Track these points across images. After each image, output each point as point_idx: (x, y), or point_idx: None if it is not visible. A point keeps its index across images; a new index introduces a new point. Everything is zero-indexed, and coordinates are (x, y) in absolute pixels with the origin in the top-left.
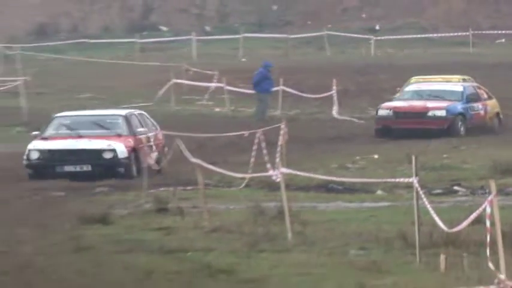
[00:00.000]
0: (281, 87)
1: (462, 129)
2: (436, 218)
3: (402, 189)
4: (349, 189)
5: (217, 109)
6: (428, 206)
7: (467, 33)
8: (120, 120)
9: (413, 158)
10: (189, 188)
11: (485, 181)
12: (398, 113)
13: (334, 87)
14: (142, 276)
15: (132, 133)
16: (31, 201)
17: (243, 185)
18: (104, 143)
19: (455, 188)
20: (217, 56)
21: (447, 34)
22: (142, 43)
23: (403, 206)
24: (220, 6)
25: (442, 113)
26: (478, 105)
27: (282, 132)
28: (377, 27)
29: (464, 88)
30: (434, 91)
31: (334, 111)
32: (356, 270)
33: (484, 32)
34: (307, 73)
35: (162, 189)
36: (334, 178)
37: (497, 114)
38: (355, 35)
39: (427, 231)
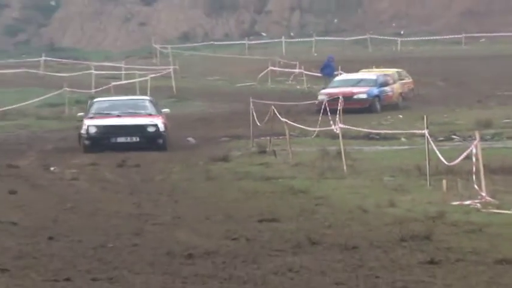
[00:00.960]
0: (339, 72)
1: (378, 107)
2: (440, 156)
3: (418, 137)
4: (383, 138)
5: (298, 87)
6: (435, 148)
7: (461, 36)
8: (148, 103)
9: (425, 117)
10: (280, 137)
11: (472, 131)
12: (332, 97)
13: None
14: (250, 195)
15: (160, 112)
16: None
17: (314, 135)
18: (147, 120)
19: (453, 136)
20: (298, 52)
21: (448, 36)
22: (249, 44)
23: (418, 148)
24: (300, 19)
25: (364, 95)
26: (387, 89)
27: (341, 101)
28: (402, 32)
29: (377, 76)
30: (356, 79)
31: None
32: (388, 190)
33: (472, 34)
34: (356, 63)
35: (262, 138)
36: (373, 130)
37: (401, 93)
38: (387, 37)
39: (434, 165)
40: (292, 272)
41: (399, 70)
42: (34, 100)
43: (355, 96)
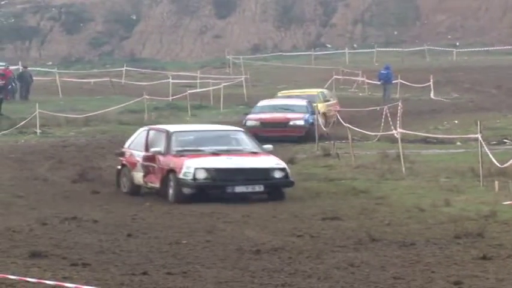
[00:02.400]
0: (399, 80)
1: (316, 135)
2: (493, 158)
3: (472, 141)
4: (440, 142)
5: (360, 94)
6: (488, 151)
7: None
8: (244, 136)
9: (478, 122)
10: (343, 141)
11: None
12: (264, 123)
13: (431, 80)
14: (315, 195)
15: (263, 149)
16: None
17: (376, 139)
18: (271, 161)
19: (505, 140)
20: (360, 62)
21: (500, 47)
22: (315, 55)
23: (472, 152)
24: (362, 32)
25: (301, 122)
26: (314, 116)
27: (399, 107)
28: (457, 44)
29: (307, 103)
30: (287, 105)
31: (431, 95)
32: (443, 191)
33: None
34: (415, 71)
35: (326, 142)
36: (430, 135)
37: (324, 115)
38: (444, 48)
39: (487, 167)
40: (354, 266)
41: (323, 91)
42: (116, 107)
43: (291, 123)
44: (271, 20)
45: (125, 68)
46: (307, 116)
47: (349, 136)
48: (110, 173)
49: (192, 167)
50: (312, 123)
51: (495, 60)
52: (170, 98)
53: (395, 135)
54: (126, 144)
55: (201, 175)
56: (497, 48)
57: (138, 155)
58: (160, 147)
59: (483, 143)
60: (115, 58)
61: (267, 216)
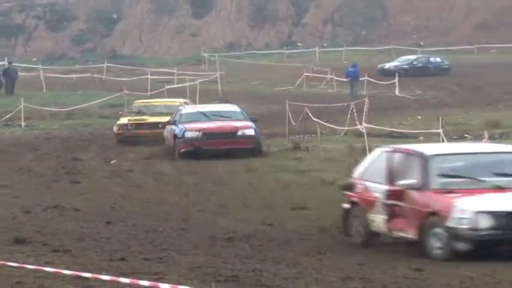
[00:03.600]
0: (366, 78)
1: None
2: None
3: (434, 136)
4: (404, 136)
5: (329, 90)
6: None
7: (473, 46)
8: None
9: (440, 118)
10: (312, 135)
11: (482, 131)
12: (208, 134)
13: (396, 77)
14: (285, 186)
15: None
16: None
17: (343, 133)
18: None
19: (465, 135)
20: (330, 60)
21: (462, 47)
22: (287, 53)
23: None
24: (332, 31)
25: (251, 132)
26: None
27: (366, 103)
28: (421, 43)
29: (241, 108)
30: (220, 112)
31: (396, 91)
32: None
33: (484, 45)
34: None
35: (296, 136)
36: (395, 129)
37: None
38: (409, 48)
39: None
40: (320, 254)
41: (186, 100)
42: (97, 101)
43: (239, 133)
44: (245, 19)
45: (106, 64)
46: (253, 124)
47: (318, 130)
48: (91, 164)
49: (470, 211)
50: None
51: (457, 59)
52: (149, 93)
53: (361, 129)
54: (357, 173)
55: (485, 223)
56: (459, 47)
57: (377, 189)
58: (413, 179)
59: (444, 137)
60: (97, 55)
61: (239, 205)
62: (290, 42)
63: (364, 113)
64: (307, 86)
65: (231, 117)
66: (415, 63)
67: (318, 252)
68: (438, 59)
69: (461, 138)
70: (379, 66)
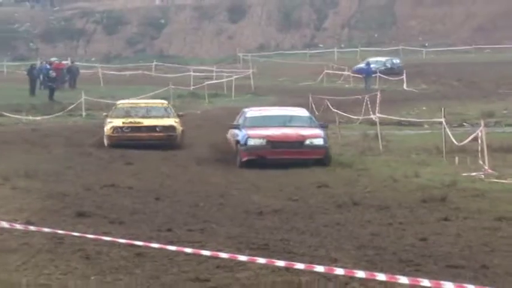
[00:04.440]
0: (378, 74)
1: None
2: (453, 139)
3: (437, 124)
4: (411, 124)
5: (346, 85)
6: (449, 132)
7: (471, 47)
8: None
9: (443, 109)
10: (330, 124)
11: (478, 120)
12: (274, 143)
13: (404, 74)
14: (309, 168)
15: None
16: None
17: (358, 122)
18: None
19: (463, 123)
20: (346, 59)
21: (461, 47)
22: (310, 53)
23: (438, 133)
24: (348, 34)
25: (320, 141)
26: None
27: (378, 96)
28: (426, 44)
29: (309, 113)
30: (287, 116)
31: (404, 86)
32: (413, 164)
33: (480, 46)
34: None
35: None
36: (403, 119)
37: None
38: (415, 48)
39: (449, 145)
40: (339, 225)
41: (164, 101)
42: (147, 94)
43: (307, 142)
44: (274, 24)
45: (154, 63)
46: (322, 132)
47: (337, 119)
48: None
49: None
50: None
51: (457, 58)
52: (191, 88)
53: (374, 119)
54: None
55: None
56: (459, 48)
57: None
58: None
59: (446, 125)
60: (147, 55)
61: (270, 185)
62: (312, 43)
63: (376, 105)
64: (327, 81)
65: (298, 122)
66: (387, 64)
67: (336, 224)
68: (397, 61)
69: (460, 126)
70: (355, 67)
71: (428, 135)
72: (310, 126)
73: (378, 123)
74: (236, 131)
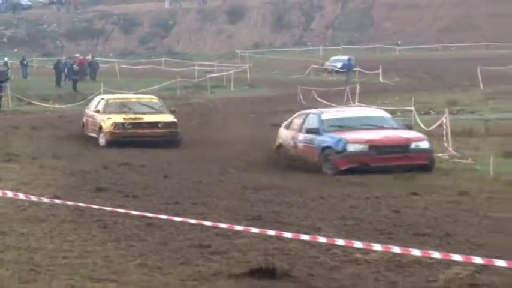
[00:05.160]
0: (357, 68)
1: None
2: (421, 124)
3: (408, 112)
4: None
5: (330, 78)
6: (418, 118)
7: (438, 45)
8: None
9: (413, 98)
10: None
11: (443, 108)
12: (378, 148)
13: (380, 68)
14: None
15: None
16: None
17: None
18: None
19: (430, 111)
20: (330, 56)
21: (430, 45)
22: (299, 50)
23: (408, 119)
24: (332, 34)
25: (426, 144)
26: None
27: (357, 88)
28: (399, 43)
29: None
30: (368, 118)
31: (380, 79)
32: None
33: (446, 44)
34: (369, 63)
35: None
36: (379, 107)
37: None
38: (390, 46)
39: (417, 129)
40: (323, 199)
41: (153, 96)
42: (157, 86)
43: (413, 146)
44: (268, 25)
45: (164, 58)
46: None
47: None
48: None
49: None
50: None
51: (426, 55)
52: (195, 80)
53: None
54: None
55: None
56: (428, 46)
57: None
58: None
59: (416, 113)
60: (157, 52)
61: (265, 163)
62: (301, 42)
63: (356, 95)
64: (314, 75)
65: (383, 124)
66: (345, 62)
67: (320, 198)
68: (352, 59)
69: (427, 113)
70: (330, 60)
71: (401, 120)
72: (396, 128)
73: None
74: (317, 137)
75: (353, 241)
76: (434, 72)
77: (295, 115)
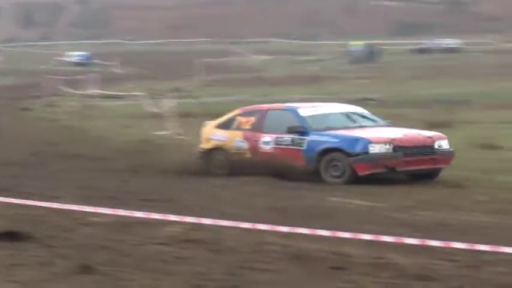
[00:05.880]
0: (96, 60)
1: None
2: (150, 108)
3: (140, 97)
4: (119, 97)
5: (72, 68)
6: (146, 103)
7: (166, 40)
8: None
9: (144, 86)
10: (55, 97)
11: (168, 93)
12: (404, 148)
13: (116, 60)
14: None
15: None
16: None
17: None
18: None
19: (156, 96)
20: (73, 49)
21: (157, 41)
22: (45, 44)
23: (139, 103)
24: (74, 31)
25: (447, 144)
26: None
27: (96, 76)
28: (132, 38)
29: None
30: (351, 114)
31: (116, 69)
32: (120, 126)
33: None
34: (106, 56)
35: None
36: (114, 93)
37: None
38: (124, 42)
39: (145, 113)
40: (64, 171)
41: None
42: None
43: (436, 145)
44: (19, 22)
45: None
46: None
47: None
48: None
49: None
50: None
51: (156, 49)
52: None
53: (91, 93)
54: None
55: None
56: (158, 41)
57: None
58: None
59: (146, 98)
60: None
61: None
62: (47, 37)
63: (96, 83)
64: (58, 66)
65: (366, 121)
66: (85, 55)
67: (61, 170)
68: (89, 54)
69: (154, 98)
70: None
71: (132, 105)
72: (381, 126)
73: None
74: (297, 136)
75: (87, 206)
76: (163, 64)
77: (236, 111)
